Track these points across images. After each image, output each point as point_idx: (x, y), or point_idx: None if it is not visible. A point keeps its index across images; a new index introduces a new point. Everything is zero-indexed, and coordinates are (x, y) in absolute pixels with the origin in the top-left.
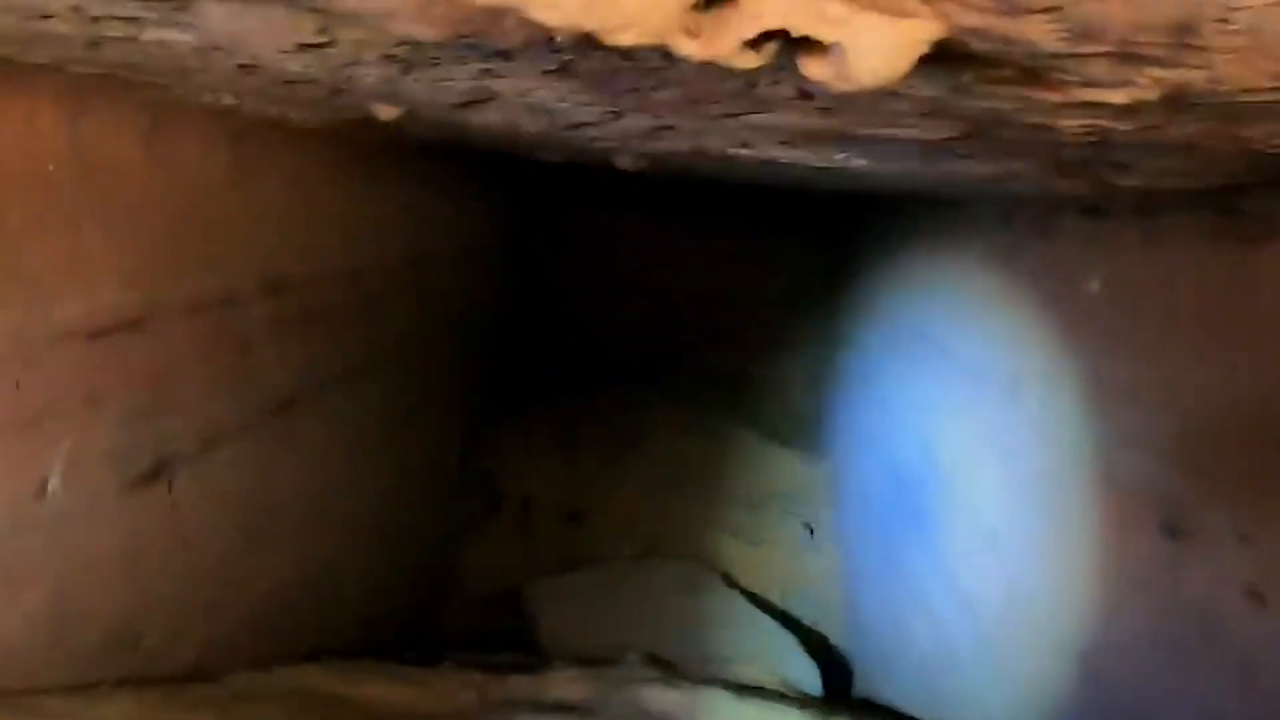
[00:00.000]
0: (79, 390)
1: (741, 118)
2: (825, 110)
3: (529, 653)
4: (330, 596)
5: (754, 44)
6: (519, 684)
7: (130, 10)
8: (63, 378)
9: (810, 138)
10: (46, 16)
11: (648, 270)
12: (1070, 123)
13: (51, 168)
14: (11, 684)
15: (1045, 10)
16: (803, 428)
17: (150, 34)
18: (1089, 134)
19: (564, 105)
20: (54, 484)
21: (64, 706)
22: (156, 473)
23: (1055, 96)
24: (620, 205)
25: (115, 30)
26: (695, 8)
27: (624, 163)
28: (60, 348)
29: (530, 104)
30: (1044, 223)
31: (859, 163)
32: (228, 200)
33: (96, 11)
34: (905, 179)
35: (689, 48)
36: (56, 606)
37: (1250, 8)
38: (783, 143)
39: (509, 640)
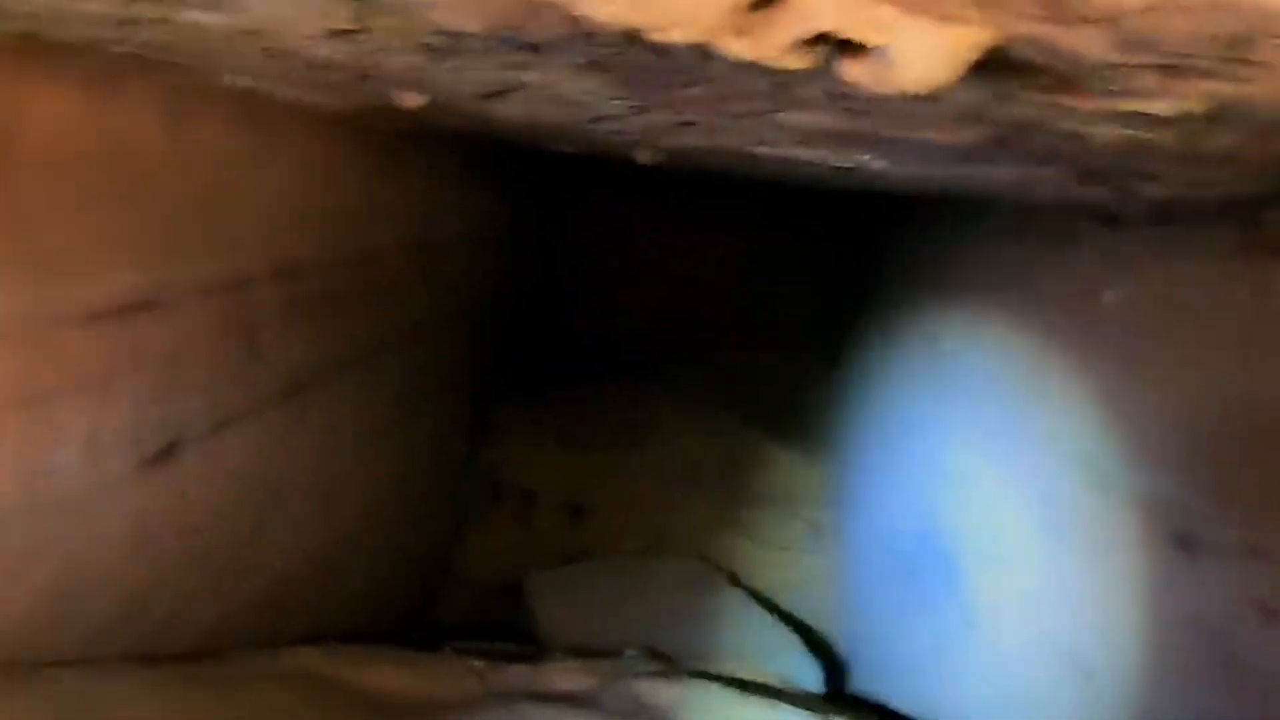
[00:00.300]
0: (94, 370)
1: (767, 116)
2: (854, 112)
3: (528, 644)
4: (336, 581)
5: (801, 45)
6: (519, 673)
7: None
8: (78, 357)
9: (834, 139)
10: None
11: (660, 262)
12: (1106, 131)
13: (74, 148)
14: (21, 657)
15: (1101, 20)
16: (808, 428)
17: (185, 15)
18: (1123, 143)
19: (590, 99)
20: (67, 462)
21: (74, 679)
22: (168, 453)
23: (1095, 105)
24: (634, 196)
25: (150, 11)
26: (745, 8)
27: (643, 157)
28: (76, 327)
29: (556, 96)
30: (1060, 231)
31: (879, 164)
32: (243, 183)
33: None
34: (923, 182)
35: (737, 47)
36: (65, 583)
37: None
38: (803, 142)
39: (507, 631)
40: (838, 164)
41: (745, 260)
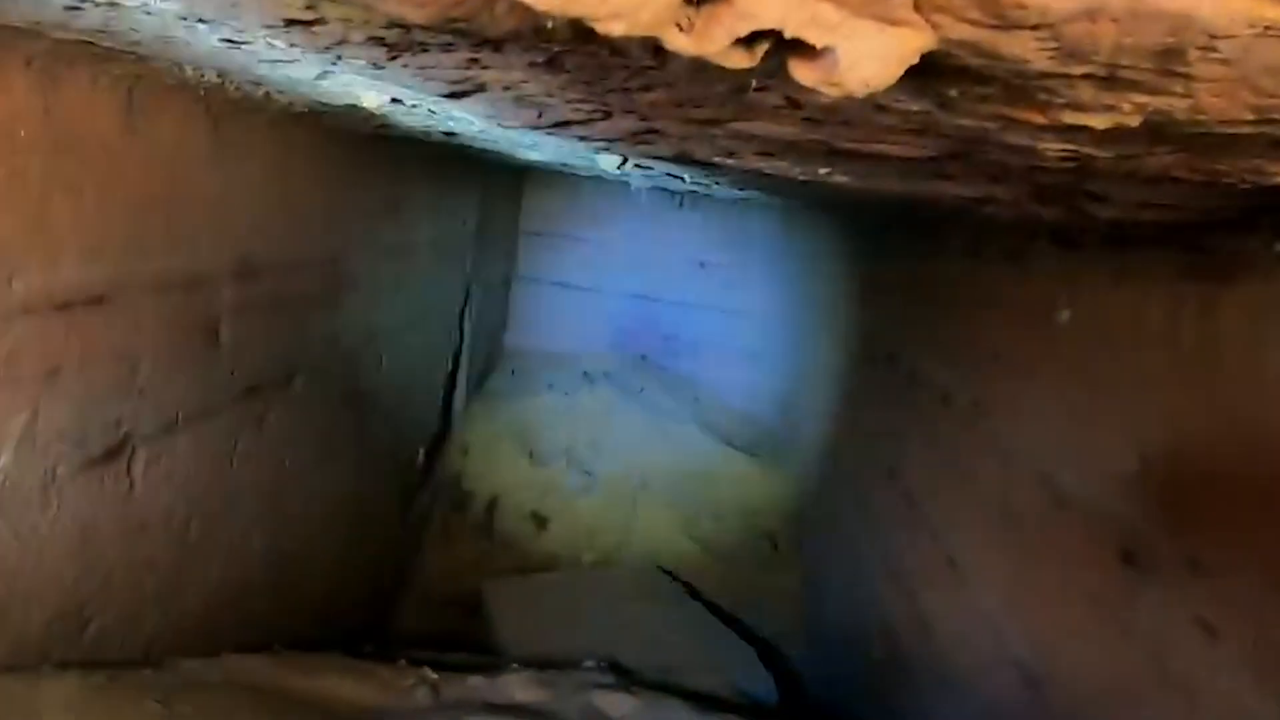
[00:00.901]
0: (37, 364)
1: (727, 124)
2: (811, 121)
3: (486, 654)
4: (289, 588)
5: (745, 43)
6: (474, 684)
7: None
8: (20, 351)
9: (794, 150)
10: None
11: (621, 275)
12: (1052, 146)
13: (22, 134)
14: None
15: (1036, 26)
16: (769, 440)
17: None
18: (1069, 159)
19: (552, 101)
20: (6, 459)
21: (3, 687)
22: (114, 453)
23: (1039, 118)
24: (598, 203)
25: None
26: (688, 2)
27: (611, 166)
28: (19, 320)
29: (518, 97)
30: (1017, 250)
31: (840, 178)
32: (204, 179)
33: None
34: (884, 197)
35: (680, 42)
36: (1, 586)
37: (1237, 37)
38: (766, 154)
39: (467, 642)
40: (800, 176)
41: (700, 271)
